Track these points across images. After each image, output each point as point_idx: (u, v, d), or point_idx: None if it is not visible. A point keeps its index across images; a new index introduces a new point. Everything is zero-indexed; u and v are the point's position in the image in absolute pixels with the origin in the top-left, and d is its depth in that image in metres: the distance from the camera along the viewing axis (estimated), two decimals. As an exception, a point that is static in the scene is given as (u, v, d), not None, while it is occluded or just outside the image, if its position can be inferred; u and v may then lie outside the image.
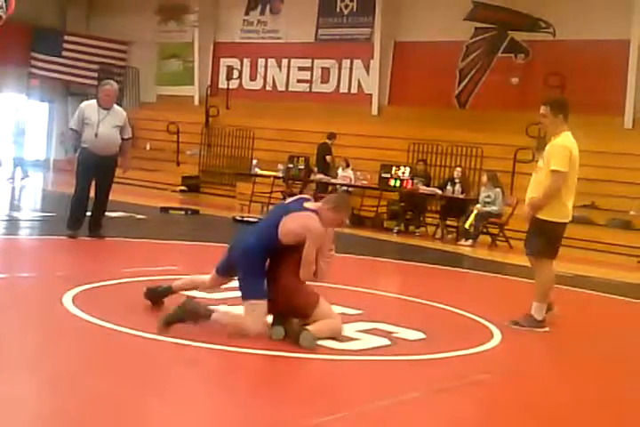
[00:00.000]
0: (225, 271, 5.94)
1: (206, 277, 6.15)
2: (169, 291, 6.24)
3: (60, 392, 4.28)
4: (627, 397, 5.22)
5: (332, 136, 17.31)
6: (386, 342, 5.84)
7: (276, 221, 5.73)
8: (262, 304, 5.53)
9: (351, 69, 20.69)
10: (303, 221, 5.67)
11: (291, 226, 5.67)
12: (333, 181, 16.75)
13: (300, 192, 17.23)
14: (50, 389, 4.34)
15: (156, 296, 6.25)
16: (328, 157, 17.13)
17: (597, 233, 14.29)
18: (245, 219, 14.48)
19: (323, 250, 5.76)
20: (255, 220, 14.42)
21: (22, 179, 19.24)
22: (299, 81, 21.58)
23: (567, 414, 4.71)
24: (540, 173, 6.85)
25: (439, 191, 15.15)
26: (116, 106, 10.13)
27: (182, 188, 20.35)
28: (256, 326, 5.48)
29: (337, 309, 6.25)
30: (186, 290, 6.31)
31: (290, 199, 6.21)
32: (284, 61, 21.86)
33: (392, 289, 8.74)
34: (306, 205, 5.86)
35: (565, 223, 6.86)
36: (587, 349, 6.64)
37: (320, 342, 5.48)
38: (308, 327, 5.48)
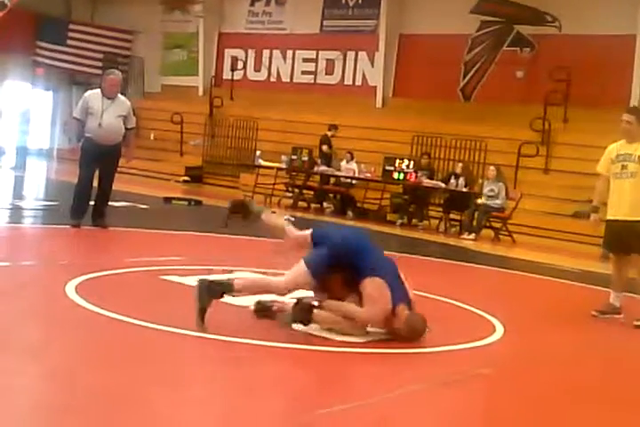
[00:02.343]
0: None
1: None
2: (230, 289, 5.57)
3: (63, 382, 4.27)
4: (629, 393, 5.22)
5: (332, 128, 17.28)
6: (389, 334, 5.83)
7: (372, 269, 5.54)
8: (306, 271, 5.46)
9: (356, 61, 20.65)
10: (376, 304, 5.49)
11: (368, 292, 5.50)
12: (337, 173, 16.74)
13: (304, 183, 17.24)
14: (52, 379, 4.34)
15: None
16: (324, 147, 17.05)
17: (595, 231, 14.23)
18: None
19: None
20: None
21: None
22: (303, 72, 21.54)
23: (569, 409, 4.71)
24: (637, 179, 7.21)
25: (443, 185, 15.14)
26: (120, 95, 10.11)
27: (185, 178, 20.34)
28: (286, 284, 5.46)
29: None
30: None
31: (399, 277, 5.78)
32: (289, 53, 21.82)
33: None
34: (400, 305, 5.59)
35: None
36: (589, 343, 6.64)
37: (324, 335, 5.49)
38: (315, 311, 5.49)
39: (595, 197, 7.73)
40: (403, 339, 5.60)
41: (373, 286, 5.52)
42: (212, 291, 5.34)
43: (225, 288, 5.41)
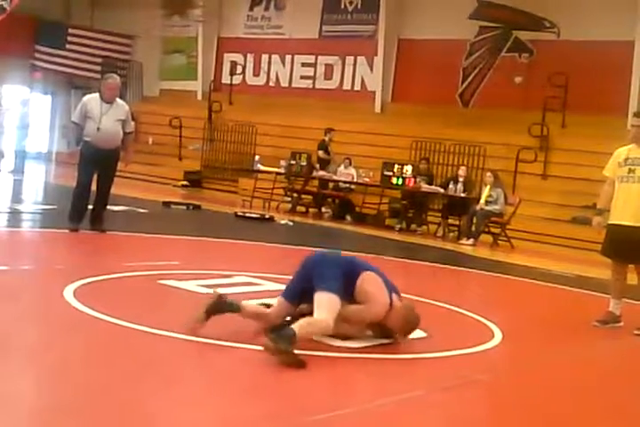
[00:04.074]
0: (294, 296, 5.66)
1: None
2: (235, 309, 5.56)
3: (61, 386, 4.27)
4: (628, 401, 5.22)
5: (328, 131, 17.28)
6: (387, 340, 5.82)
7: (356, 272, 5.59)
8: (335, 298, 5.34)
9: (355, 66, 20.66)
10: (375, 298, 5.53)
11: (366, 288, 5.53)
12: (335, 177, 16.74)
13: (303, 188, 17.25)
14: (50, 382, 4.33)
15: (217, 309, 5.49)
16: (320, 152, 17.07)
17: (598, 234, 14.26)
18: (247, 215, 14.49)
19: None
20: (256, 216, 14.50)
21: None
22: (302, 77, 21.55)
23: (567, 414, 4.71)
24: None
25: (441, 190, 15.13)
26: (118, 100, 10.12)
27: (184, 183, 20.34)
28: (329, 320, 5.27)
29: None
30: (252, 318, 5.70)
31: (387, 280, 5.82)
32: (288, 57, 21.84)
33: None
34: (393, 295, 5.65)
35: None
36: (588, 349, 6.64)
37: (322, 340, 5.47)
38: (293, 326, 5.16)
39: (600, 201, 7.57)
40: (394, 332, 5.65)
41: (370, 281, 5.58)
42: (219, 308, 5.44)
43: (232, 309, 5.50)
